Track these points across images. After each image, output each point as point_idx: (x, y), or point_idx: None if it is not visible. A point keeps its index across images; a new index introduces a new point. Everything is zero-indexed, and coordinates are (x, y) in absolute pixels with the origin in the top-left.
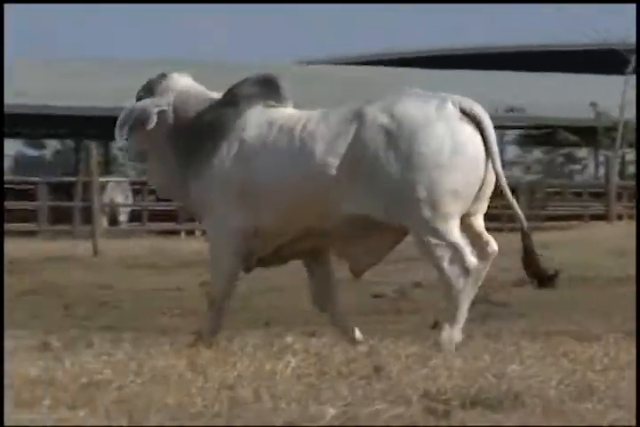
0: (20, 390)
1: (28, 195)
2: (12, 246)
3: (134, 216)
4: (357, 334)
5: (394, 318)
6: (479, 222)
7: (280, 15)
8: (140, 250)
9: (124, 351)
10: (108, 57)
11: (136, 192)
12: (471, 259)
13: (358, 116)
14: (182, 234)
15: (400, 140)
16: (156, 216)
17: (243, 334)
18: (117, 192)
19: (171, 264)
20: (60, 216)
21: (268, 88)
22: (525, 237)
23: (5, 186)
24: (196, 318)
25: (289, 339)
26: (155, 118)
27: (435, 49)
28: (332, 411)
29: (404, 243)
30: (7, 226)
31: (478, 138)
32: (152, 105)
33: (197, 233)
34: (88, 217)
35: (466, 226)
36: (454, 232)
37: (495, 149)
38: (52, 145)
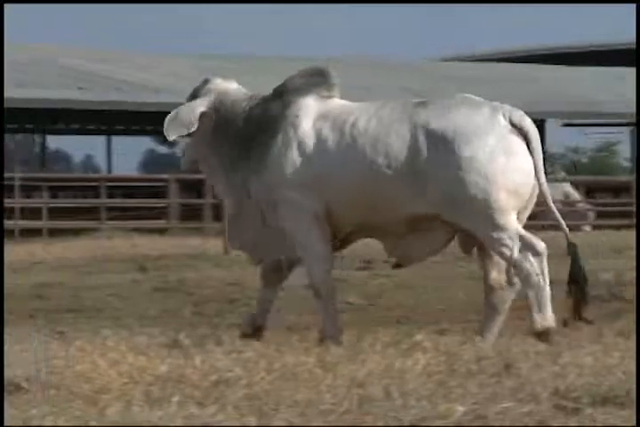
0: (150, 387)
1: (158, 192)
2: (144, 244)
3: None
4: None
5: (524, 314)
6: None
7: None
8: None
9: (253, 349)
10: (246, 54)
11: None
12: (539, 242)
13: (411, 119)
14: None
15: (454, 146)
16: None
17: (372, 332)
18: None
19: None
20: (191, 214)
21: (320, 78)
22: (570, 246)
23: (136, 184)
24: None
25: (419, 337)
26: (195, 120)
27: (580, 45)
28: (461, 409)
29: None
30: (138, 223)
31: (526, 148)
32: (194, 107)
33: None
34: (218, 214)
35: None
36: (514, 223)
37: (540, 162)
38: (184, 142)
